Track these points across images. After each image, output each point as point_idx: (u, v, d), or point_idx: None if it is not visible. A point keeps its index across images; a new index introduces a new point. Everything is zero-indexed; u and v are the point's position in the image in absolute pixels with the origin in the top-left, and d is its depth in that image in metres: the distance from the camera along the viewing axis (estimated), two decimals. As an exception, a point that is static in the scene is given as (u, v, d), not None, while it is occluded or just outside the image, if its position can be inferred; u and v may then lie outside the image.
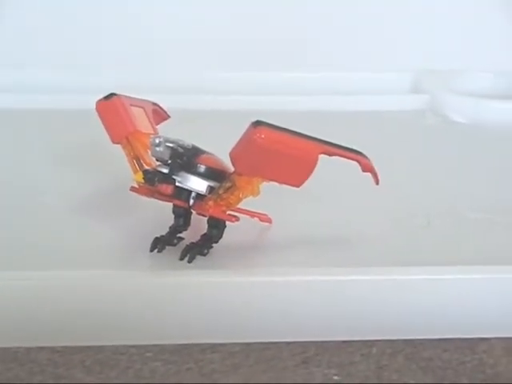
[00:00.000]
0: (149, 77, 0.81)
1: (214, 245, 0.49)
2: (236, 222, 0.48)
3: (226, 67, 0.84)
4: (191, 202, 0.48)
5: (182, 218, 0.50)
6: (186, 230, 0.50)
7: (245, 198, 0.48)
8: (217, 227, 0.49)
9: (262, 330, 0.46)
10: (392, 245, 0.51)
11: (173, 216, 0.50)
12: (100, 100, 0.53)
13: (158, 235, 0.49)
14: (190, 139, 0.48)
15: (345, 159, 0.48)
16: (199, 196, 0.47)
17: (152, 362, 0.44)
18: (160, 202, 0.48)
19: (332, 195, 0.58)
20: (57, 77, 0.81)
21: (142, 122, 0.53)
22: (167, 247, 0.49)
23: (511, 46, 0.89)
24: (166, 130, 0.54)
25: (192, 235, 0.49)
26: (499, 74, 0.87)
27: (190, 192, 0.47)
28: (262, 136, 0.44)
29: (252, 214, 0.51)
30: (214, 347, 0.46)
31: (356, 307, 0.47)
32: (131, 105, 0.53)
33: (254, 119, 0.45)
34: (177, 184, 0.47)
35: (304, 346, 0.46)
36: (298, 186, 0.47)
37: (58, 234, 0.52)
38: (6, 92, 0.77)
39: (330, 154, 0.47)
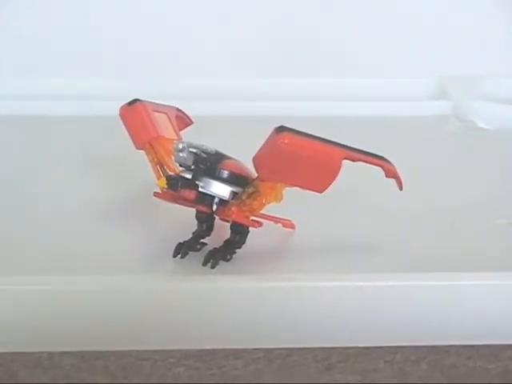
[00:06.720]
0: (172, 83, 0.81)
1: (236, 250, 0.49)
2: (259, 228, 0.48)
3: (248, 73, 0.84)
4: (214, 207, 0.48)
5: (205, 223, 0.50)
6: (209, 235, 0.50)
7: (268, 203, 0.48)
8: (240, 233, 0.49)
9: (284, 336, 0.46)
10: (416, 250, 0.51)
11: (196, 221, 0.50)
12: (124, 106, 0.53)
13: (182, 240, 0.49)
14: (213, 145, 0.48)
15: (368, 165, 0.48)
16: (222, 201, 0.47)
17: (175, 367, 0.44)
18: (183, 207, 0.48)
19: (355, 201, 0.57)
20: (81, 83, 0.81)
21: (166, 127, 0.53)
22: (190, 252, 0.49)
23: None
24: (189, 135, 0.54)
25: (215, 241, 0.49)
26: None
27: (213, 197, 0.47)
28: (286, 141, 0.44)
29: (275, 220, 0.51)
30: (236, 353, 0.46)
31: (379, 313, 0.46)
32: (155, 110, 0.53)
33: (276, 125, 0.45)
34: (200, 189, 0.47)
35: (327, 352, 0.46)
36: (321, 192, 0.47)
37: (82, 240, 0.52)
38: (32, 98, 0.78)
39: (354, 160, 0.47)
